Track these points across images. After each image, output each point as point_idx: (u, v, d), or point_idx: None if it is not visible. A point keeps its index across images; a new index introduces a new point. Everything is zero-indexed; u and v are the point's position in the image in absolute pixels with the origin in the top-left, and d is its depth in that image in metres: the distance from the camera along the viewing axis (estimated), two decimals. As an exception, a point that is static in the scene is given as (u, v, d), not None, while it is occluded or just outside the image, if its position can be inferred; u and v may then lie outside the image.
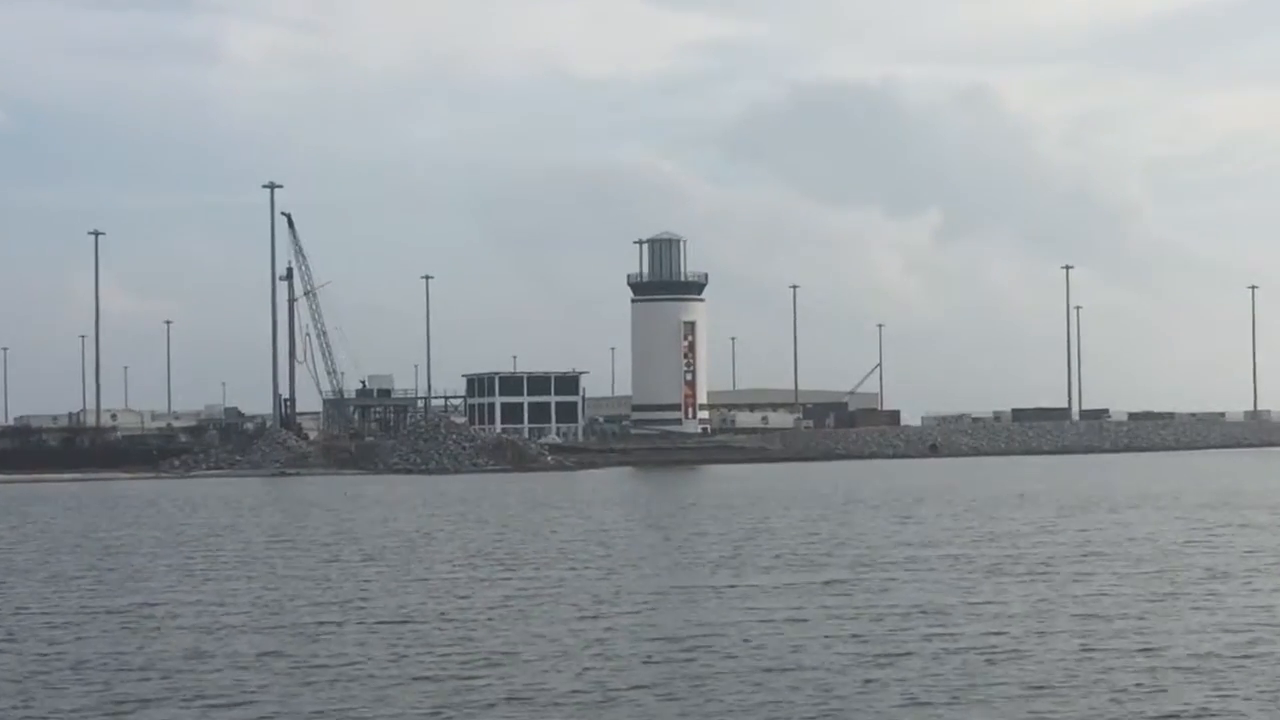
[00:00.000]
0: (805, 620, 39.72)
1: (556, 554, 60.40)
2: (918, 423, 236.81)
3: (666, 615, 41.30)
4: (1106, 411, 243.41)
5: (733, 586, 47.95)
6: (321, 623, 40.79)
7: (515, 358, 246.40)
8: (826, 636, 36.77)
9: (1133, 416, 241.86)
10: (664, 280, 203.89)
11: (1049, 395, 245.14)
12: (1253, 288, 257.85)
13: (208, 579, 53.00)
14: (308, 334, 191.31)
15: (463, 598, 46.12)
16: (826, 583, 48.43)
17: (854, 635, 36.91)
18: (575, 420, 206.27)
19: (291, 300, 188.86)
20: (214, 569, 56.54)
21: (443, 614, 42.15)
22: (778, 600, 44.06)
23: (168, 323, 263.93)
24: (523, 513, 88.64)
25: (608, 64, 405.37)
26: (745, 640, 36.26)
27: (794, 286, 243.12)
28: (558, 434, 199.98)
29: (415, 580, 51.33)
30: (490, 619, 41.06)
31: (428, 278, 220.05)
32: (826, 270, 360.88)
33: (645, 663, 33.56)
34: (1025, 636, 36.61)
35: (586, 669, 32.84)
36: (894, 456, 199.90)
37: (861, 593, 45.71)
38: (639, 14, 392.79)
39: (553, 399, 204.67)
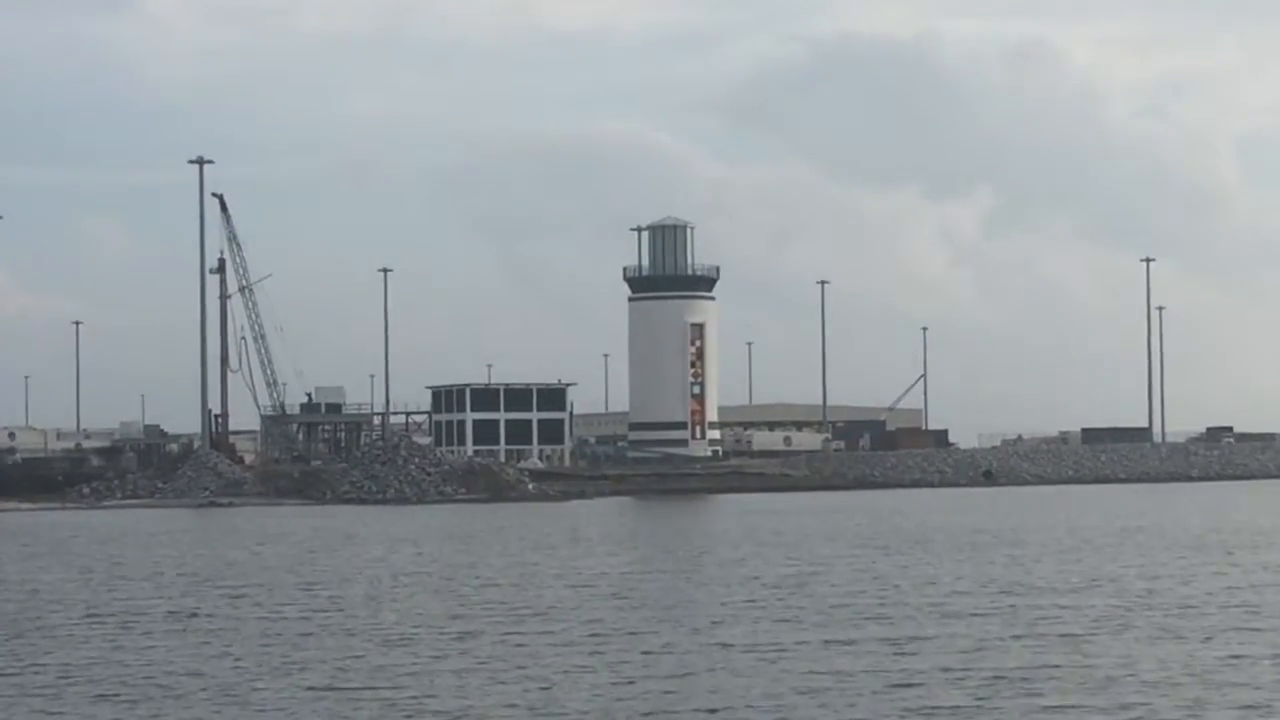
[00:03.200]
0: None
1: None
2: (967, 444, 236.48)
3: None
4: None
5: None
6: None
7: (490, 367, 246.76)
8: None
9: (1212, 434, 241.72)
10: (667, 274, 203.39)
11: (1125, 413, 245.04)
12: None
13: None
14: (243, 337, 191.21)
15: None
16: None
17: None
18: (561, 441, 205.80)
19: (224, 297, 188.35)
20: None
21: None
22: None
23: (76, 324, 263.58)
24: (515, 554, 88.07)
25: (589, 16, 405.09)
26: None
27: (822, 282, 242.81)
28: (540, 457, 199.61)
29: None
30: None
31: (385, 271, 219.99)
32: (857, 263, 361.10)
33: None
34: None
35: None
36: (940, 485, 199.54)
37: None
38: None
39: (535, 415, 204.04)
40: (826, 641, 46.58)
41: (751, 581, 66.03)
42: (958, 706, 35.89)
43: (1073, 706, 35.77)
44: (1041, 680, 39.15)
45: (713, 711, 35.96)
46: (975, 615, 52.86)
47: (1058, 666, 41.32)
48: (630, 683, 39.92)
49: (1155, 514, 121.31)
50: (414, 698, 38.23)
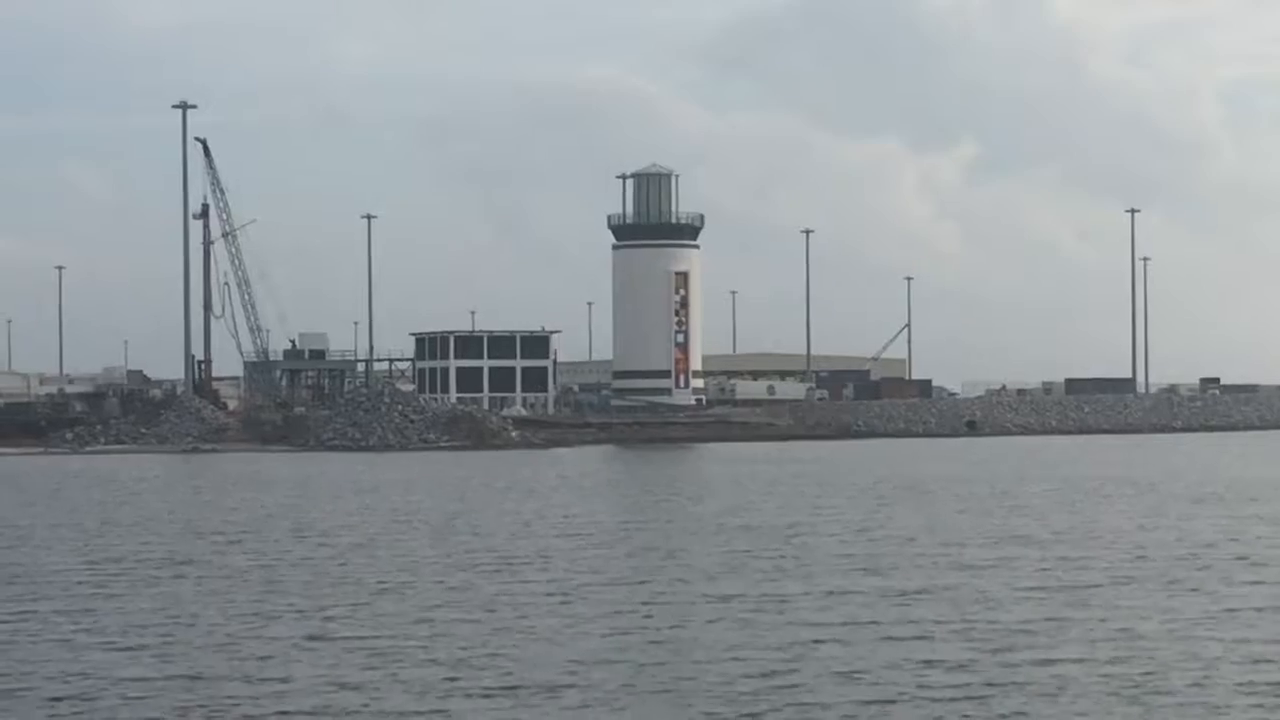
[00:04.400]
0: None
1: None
2: (951, 394, 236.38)
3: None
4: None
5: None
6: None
7: (474, 314, 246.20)
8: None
9: (1206, 386, 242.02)
10: (651, 223, 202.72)
11: (1109, 364, 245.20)
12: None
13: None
14: (226, 284, 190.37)
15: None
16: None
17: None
18: (545, 389, 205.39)
19: (207, 243, 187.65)
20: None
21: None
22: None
23: (59, 269, 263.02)
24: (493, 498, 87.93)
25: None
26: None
27: (806, 231, 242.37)
28: (524, 405, 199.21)
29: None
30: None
31: (369, 217, 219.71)
32: (840, 213, 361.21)
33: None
34: None
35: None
36: (924, 435, 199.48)
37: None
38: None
39: (518, 363, 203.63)
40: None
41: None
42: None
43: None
44: (1051, 634, 39.20)
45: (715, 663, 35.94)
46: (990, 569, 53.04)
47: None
48: (626, 634, 39.91)
49: (1164, 467, 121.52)
50: (418, 645, 38.13)
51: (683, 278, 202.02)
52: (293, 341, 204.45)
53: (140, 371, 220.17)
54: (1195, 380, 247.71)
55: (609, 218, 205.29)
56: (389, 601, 45.76)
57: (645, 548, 60.47)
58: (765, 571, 52.14)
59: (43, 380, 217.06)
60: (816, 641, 38.40)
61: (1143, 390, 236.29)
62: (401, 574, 52.25)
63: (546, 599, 45.96)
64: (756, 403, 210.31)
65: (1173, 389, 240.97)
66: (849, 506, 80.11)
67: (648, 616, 42.68)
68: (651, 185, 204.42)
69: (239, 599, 46.60)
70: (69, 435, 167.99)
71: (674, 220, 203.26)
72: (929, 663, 35.60)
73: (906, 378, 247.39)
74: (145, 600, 46.62)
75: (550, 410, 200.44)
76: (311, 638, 39.63)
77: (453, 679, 34.14)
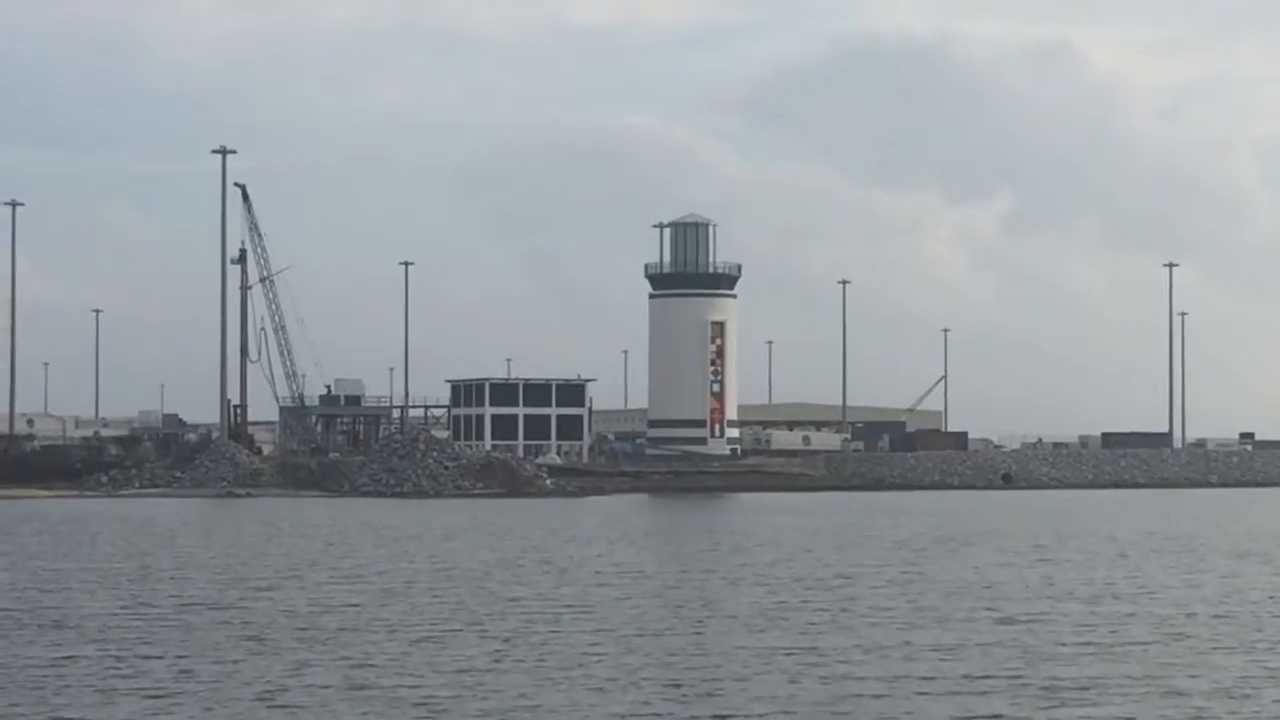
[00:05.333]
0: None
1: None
2: (985, 447, 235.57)
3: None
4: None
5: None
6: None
7: (509, 361, 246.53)
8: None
9: (1243, 441, 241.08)
10: (688, 272, 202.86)
11: (1145, 418, 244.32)
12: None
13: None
14: (263, 329, 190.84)
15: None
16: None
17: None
18: (580, 437, 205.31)
19: (244, 288, 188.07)
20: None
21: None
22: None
23: (96, 312, 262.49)
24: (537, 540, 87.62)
25: (610, 12, 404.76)
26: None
27: (843, 282, 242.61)
28: (559, 453, 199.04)
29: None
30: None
31: (407, 264, 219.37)
32: (876, 263, 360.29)
33: None
34: None
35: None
36: (959, 487, 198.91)
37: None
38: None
39: (554, 411, 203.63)
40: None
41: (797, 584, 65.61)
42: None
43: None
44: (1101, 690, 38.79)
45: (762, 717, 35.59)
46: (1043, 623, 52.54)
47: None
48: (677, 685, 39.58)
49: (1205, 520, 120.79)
50: (456, 697, 37.81)
51: (719, 327, 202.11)
52: (328, 387, 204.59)
53: (176, 415, 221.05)
54: (1227, 435, 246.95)
55: (646, 267, 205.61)
56: (430, 650, 45.43)
57: (692, 598, 60.04)
58: (810, 623, 51.73)
59: (79, 423, 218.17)
60: (859, 696, 38.04)
61: (1179, 445, 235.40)
62: (443, 622, 51.92)
63: (592, 649, 45.59)
64: (792, 453, 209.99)
65: (1201, 444, 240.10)
66: (890, 558, 79.62)
67: (690, 669, 42.28)
68: (689, 234, 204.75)
69: (281, 645, 46.32)
70: (104, 479, 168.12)
71: (711, 270, 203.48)
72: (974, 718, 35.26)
73: (942, 429, 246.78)
74: (187, 646, 46.35)
75: (585, 458, 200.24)
76: (355, 687, 39.31)
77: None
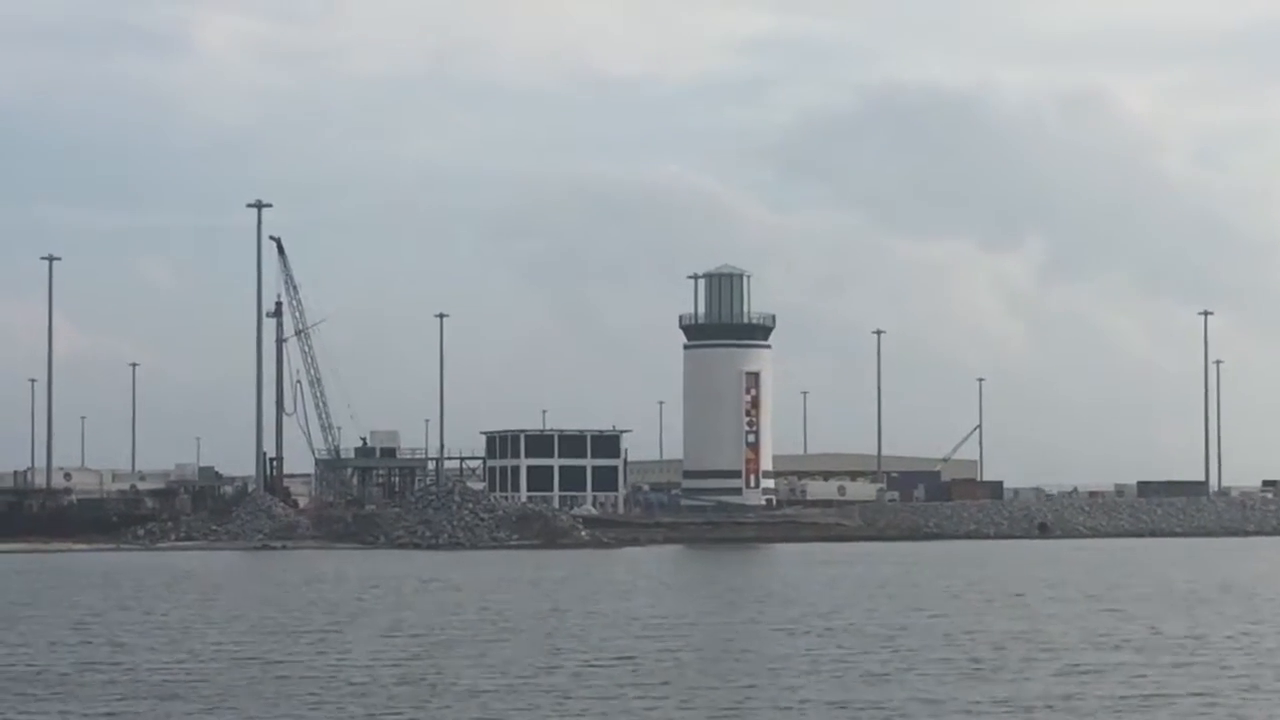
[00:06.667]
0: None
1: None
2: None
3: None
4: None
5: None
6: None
7: (545, 412, 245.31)
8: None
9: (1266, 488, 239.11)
10: (723, 323, 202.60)
11: (1181, 466, 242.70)
12: None
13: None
14: (298, 381, 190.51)
15: None
16: None
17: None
18: (615, 488, 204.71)
19: (280, 341, 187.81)
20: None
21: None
22: None
23: (132, 366, 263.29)
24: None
25: (641, 62, 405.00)
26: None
27: (878, 332, 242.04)
28: (594, 504, 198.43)
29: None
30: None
31: (442, 316, 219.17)
32: (910, 313, 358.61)
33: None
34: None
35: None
36: (995, 536, 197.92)
37: None
38: (678, 5, 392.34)
39: (589, 462, 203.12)
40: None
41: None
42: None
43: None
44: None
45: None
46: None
47: None
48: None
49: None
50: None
51: (754, 378, 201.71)
52: (364, 439, 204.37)
53: (212, 468, 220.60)
54: (1253, 483, 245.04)
55: (681, 318, 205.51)
56: (485, 703, 44.81)
57: (741, 649, 59.37)
58: (863, 676, 51.02)
59: (115, 476, 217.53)
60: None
61: (1214, 493, 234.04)
62: (495, 675, 51.30)
63: (638, 701, 44.97)
64: (827, 503, 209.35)
65: (1225, 492, 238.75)
66: (939, 609, 78.78)
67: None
68: (724, 285, 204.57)
69: (327, 699, 45.73)
70: (141, 532, 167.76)
71: (746, 320, 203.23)
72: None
73: (978, 479, 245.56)
74: (239, 699, 45.80)
75: (620, 509, 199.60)
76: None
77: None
